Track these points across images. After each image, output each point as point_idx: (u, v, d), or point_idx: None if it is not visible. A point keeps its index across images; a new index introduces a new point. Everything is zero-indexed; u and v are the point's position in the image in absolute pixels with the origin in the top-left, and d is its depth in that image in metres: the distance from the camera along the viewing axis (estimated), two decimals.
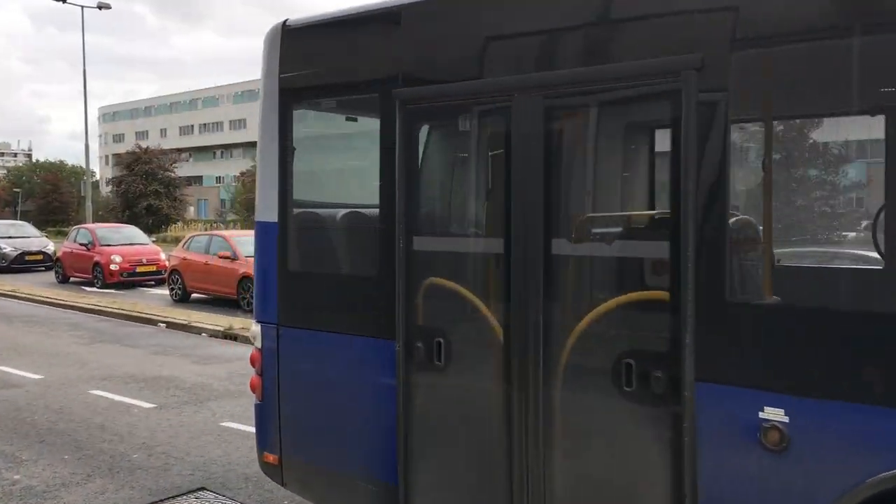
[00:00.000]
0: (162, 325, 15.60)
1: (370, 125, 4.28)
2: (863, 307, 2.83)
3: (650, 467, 3.27)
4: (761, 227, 3.18)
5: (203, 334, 14.54)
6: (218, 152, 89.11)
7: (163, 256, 23.02)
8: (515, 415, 3.59)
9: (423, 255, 3.94)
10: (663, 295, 3.20)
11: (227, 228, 40.43)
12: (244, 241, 19.32)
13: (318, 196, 5.12)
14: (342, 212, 4.77)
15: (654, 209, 4.16)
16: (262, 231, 4.69)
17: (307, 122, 4.80)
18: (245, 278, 17.71)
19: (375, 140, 4.14)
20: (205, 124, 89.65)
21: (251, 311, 16.84)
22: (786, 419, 2.87)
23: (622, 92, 3.37)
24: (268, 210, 4.59)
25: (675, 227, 3.10)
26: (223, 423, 8.38)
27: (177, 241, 28.78)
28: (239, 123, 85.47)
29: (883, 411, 2.65)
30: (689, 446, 3.04)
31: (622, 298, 3.39)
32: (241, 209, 53.33)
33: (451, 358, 3.83)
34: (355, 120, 4.88)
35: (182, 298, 19.48)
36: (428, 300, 3.93)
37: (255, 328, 4.76)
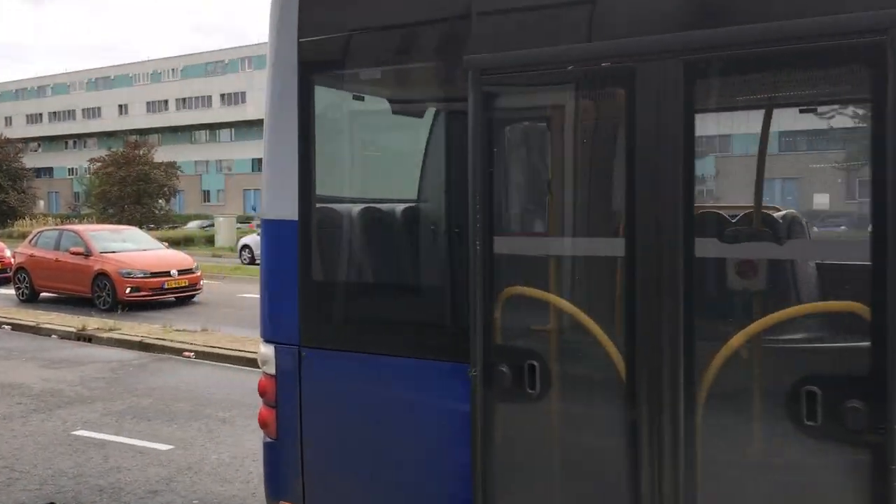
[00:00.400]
0: (7, 327, 14.42)
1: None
2: None
3: None
4: None
5: (53, 336, 13.49)
6: (70, 142, 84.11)
7: (8, 253, 21.38)
8: (645, 455, 2.86)
9: (508, 259, 3.22)
10: (860, 307, 2.61)
11: (81, 223, 38.11)
12: (99, 237, 18.32)
13: (353, 189, 4.17)
14: (389, 207, 3.97)
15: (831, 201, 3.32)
16: (275, 231, 3.82)
17: (335, 99, 3.96)
18: (101, 275, 16.69)
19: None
20: (55, 112, 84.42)
21: (107, 311, 16.66)
22: None
23: (800, 57, 2.69)
24: (282, 205, 3.72)
25: (879, 224, 2.53)
26: (75, 432, 7.71)
27: (24, 236, 26.84)
28: (93, 112, 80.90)
29: None
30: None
31: (794, 310, 2.84)
32: (97, 202, 50.45)
33: (549, 384, 3.09)
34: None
35: (29, 298, 18.16)
36: (514, 315, 3.21)
37: (266, 350, 3.82)
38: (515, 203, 3.62)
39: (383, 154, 4.42)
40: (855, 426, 2.54)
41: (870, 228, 2.60)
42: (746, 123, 3.15)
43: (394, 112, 4.01)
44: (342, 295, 3.86)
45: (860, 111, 2.79)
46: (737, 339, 2.76)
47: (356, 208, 3.92)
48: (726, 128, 3.23)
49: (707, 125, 2.99)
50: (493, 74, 3.13)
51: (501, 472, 3.16)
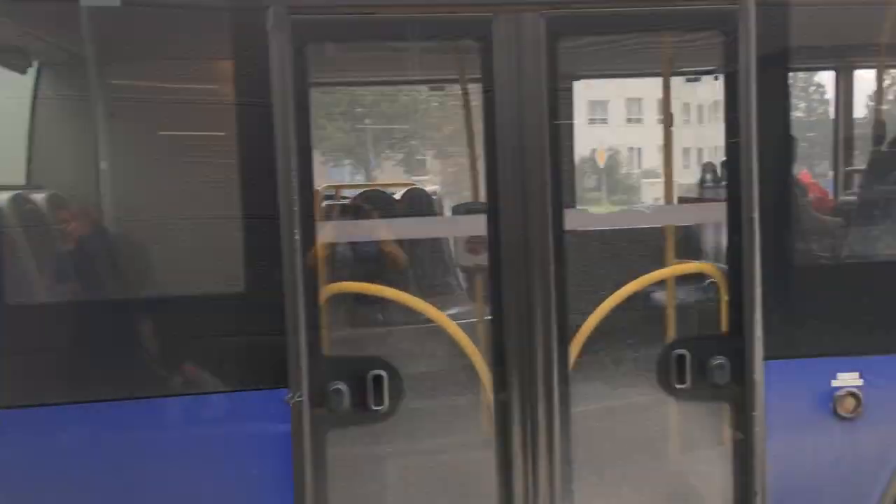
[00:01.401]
0: None
1: None
2: None
3: (714, 470, 2.79)
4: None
5: None
6: None
7: None
8: (519, 457, 2.65)
9: (335, 250, 2.80)
10: (718, 268, 2.72)
11: None
12: None
13: None
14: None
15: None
16: None
17: None
18: None
19: None
20: None
21: None
22: (860, 382, 2.69)
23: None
24: None
25: (736, 184, 2.61)
26: None
27: None
28: None
29: None
30: (760, 439, 2.65)
31: (661, 274, 2.85)
32: None
33: (401, 396, 2.64)
34: None
35: None
36: (344, 318, 2.86)
37: None
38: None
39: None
40: (720, 380, 2.66)
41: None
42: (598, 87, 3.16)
43: None
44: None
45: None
46: (595, 317, 2.72)
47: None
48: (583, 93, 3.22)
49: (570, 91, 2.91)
50: (307, 14, 2.50)
51: None
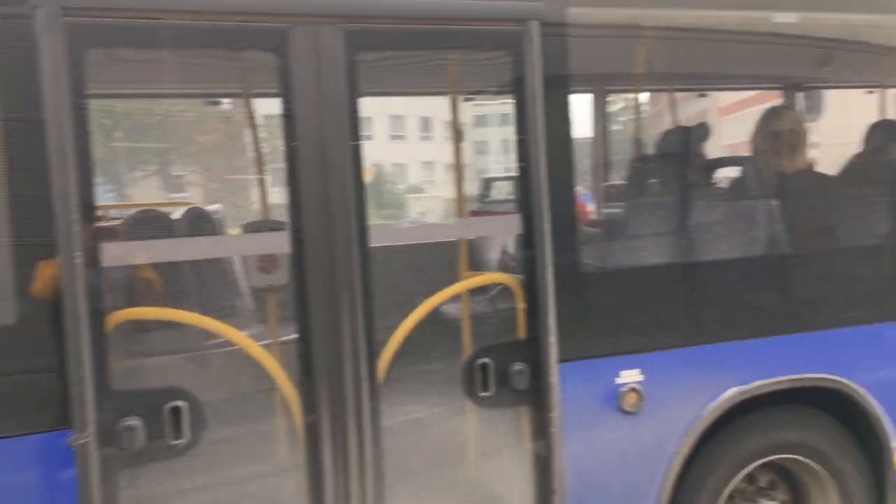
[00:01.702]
0: None
1: None
2: None
3: (515, 481, 2.87)
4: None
5: None
6: None
7: None
8: (330, 478, 2.58)
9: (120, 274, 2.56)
10: (516, 278, 2.82)
11: None
12: None
13: None
14: None
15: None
16: None
17: None
18: None
19: None
20: None
21: None
22: (641, 378, 2.90)
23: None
24: None
25: (527, 197, 2.74)
26: None
27: None
28: None
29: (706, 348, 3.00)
30: (557, 438, 2.78)
31: (461, 286, 2.88)
32: None
33: (202, 426, 2.47)
34: None
35: None
36: (135, 348, 2.61)
37: None
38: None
39: None
40: (521, 386, 2.77)
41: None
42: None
43: None
44: None
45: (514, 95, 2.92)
46: (401, 331, 2.72)
47: None
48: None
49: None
50: (84, 17, 2.30)
51: None
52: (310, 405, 2.58)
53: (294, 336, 2.61)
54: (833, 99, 4.78)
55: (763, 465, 3.22)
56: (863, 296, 3.33)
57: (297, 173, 2.53)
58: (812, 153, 3.52)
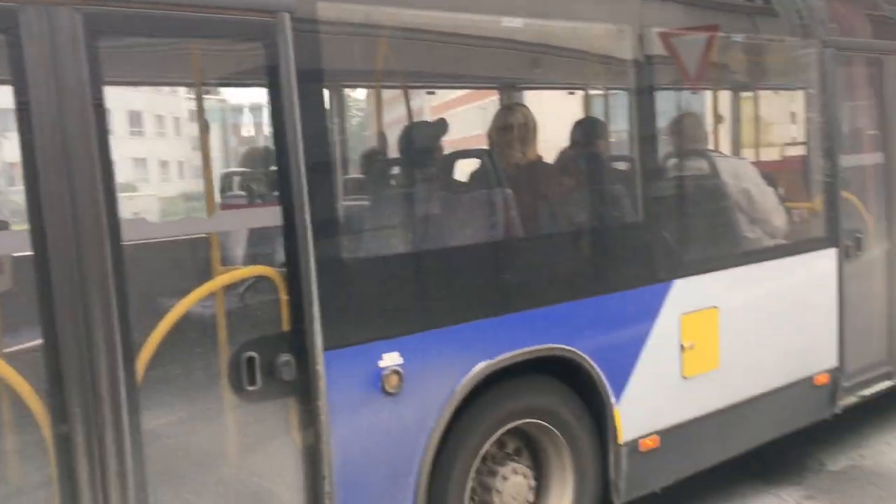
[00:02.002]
0: None
1: None
2: None
3: (286, 471, 2.86)
4: None
5: None
6: None
7: None
8: (87, 491, 2.40)
9: None
10: (277, 270, 2.80)
11: None
12: None
13: None
14: None
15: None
16: None
17: None
18: None
19: None
20: None
21: None
22: (401, 360, 3.00)
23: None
24: None
25: (287, 189, 2.74)
26: None
27: None
28: None
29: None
30: (325, 425, 2.81)
31: (222, 280, 2.78)
32: None
33: None
34: None
35: None
36: None
37: None
38: None
39: None
40: (288, 377, 2.78)
41: None
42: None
43: None
44: None
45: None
46: (160, 330, 2.59)
47: None
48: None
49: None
50: None
51: None
52: (60, 415, 2.39)
53: (38, 342, 2.40)
54: (546, 98, 5.31)
55: (510, 432, 3.52)
56: (583, 272, 3.76)
57: (35, 167, 2.33)
58: (539, 147, 3.88)
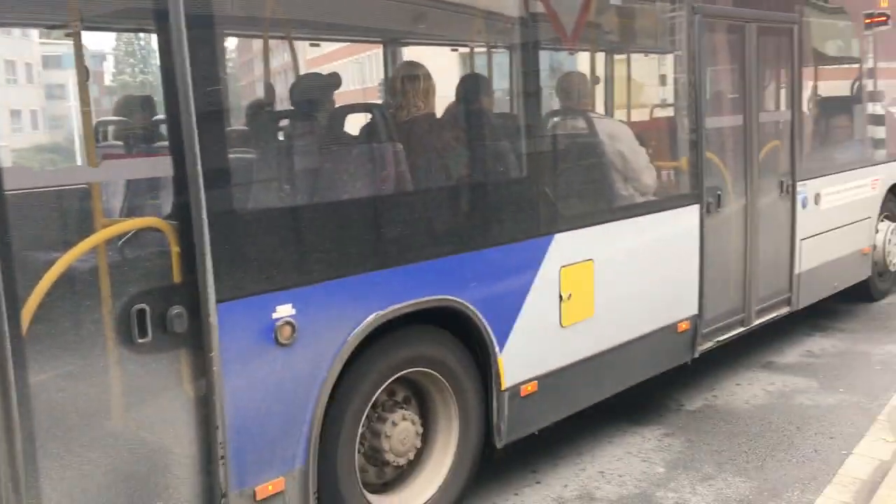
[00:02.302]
0: None
1: None
2: None
3: (178, 423, 2.85)
4: None
5: None
6: None
7: None
8: None
9: None
10: (167, 221, 2.78)
11: None
12: None
13: None
14: None
15: None
16: None
17: None
18: None
19: None
20: None
21: None
22: (293, 311, 3.04)
23: None
24: None
25: (178, 138, 2.71)
26: None
27: None
28: None
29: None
30: (217, 376, 2.83)
31: (110, 231, 2.72)
32: None
33: None
34: None
35: None
36: None
37: None
38: None
39: None
40: (180, 329, 2.77)
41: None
42: None
43: None
44: None
45: None
46: (46, 280, 2.52)
47: None
48: None
49: None
50: None
51: None
52: None
53: None
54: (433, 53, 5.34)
55: (399, 380, 3.63)
56: (469, 225, 3.88)
57: None
58: (428, 103, 3.93)
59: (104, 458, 2.68)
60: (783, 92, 6.15)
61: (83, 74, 3.01)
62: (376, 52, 5.32)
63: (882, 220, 7.45)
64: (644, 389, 5.03)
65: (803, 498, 4.02)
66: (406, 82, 3.93)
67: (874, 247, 7.33)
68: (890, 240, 7.54)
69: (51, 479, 2.54)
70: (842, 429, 4.80)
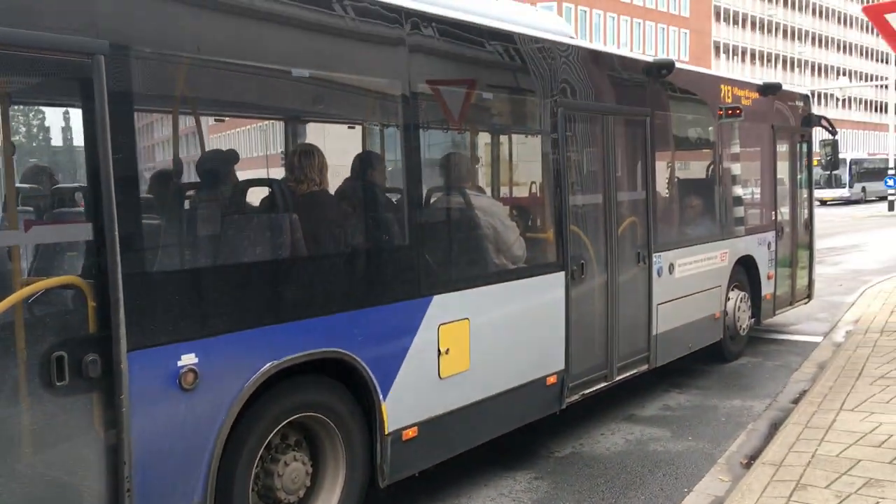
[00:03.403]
0: None
1: None
2: None
3: (89, 461, 3.22)
4: None
5: None
6: None
7: None
8: None
9: None
10: (77, 280, 3.21)
11: None
12: None
13: None
14: None
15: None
16: None
17: None
18: None
19: None
20: None
21: None
22: (196, 360, 3.47)
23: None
24: None
25: (96, 204, 3.17)
26: None
27: None
28: None
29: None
30: (126, 416, 3.21)
31: (33, 288, 3.12)
32: None
33: None
34: None
35: None
36: None
37: None
38: None
39: None
40: (93, 374, 3.14)
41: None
42: None
43: None
44: None
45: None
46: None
47: None
48: None
49: None
50: None
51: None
52: None
53: None
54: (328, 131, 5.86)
55: (292, 424, 4.04)
56: (358, 286, 4.38)
57: None
58: (323, 177, 4.45)
59: (21, 489, 2.98)
60: (639, 174, 6.98)
61: (9, 148, 3.40)
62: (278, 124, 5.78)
63: (732, 290, 8.38)
64: (519, 437, 5.56)
65: None
66: (303, 158, 4.44)
67: (725, 313, 8.22)
68: (739, 307, 8.46)
69: None
70: (686, 470, 5.46)
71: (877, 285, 13.06)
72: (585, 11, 56.25)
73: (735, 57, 75.78)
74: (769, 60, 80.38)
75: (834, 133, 10.39)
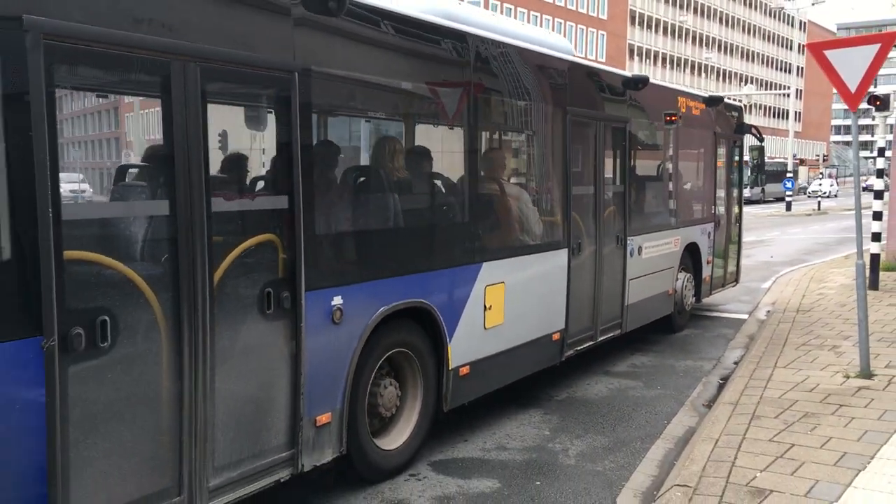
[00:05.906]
0: None
1: None
2: None
3: (281, 368, 4.30)
4: None
5: None
6: None
7: None
8: (186, 367, 3.75)
9: (71, 224, 3.31)
10: (279, 238, 4.24)
11: None
12: None
13: None
14: None
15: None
16: None
17: None
18: None
19: None
20: None
21: None
22: (342, 301, 4.57)
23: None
24: None
25: (290, 184, 4.28)
26: None
27: None
28: None
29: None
30: (303, 338, 4.31)
31: (243, 245, 4.12)
32: None
33: (118, 334, 3.46)
34: None
35: None
36: (81, 278, 3.38)
37: None
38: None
39: None
40: (286, 306, 4.25)
41: None
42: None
43: None
44: None
45: None
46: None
47: None
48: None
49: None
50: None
51: (77, 424, 3.28)
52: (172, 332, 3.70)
53: None
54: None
55: (388, 359, 5.20)
56: (435, 253, 5.56)
57: None
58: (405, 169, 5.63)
59: (241, 385, 4.10)
60: (618, 170, 8.36)
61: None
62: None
63: (681, 271, 9.90)
64: (523, 386, 6.85)
65: (642, 446, 5.96)
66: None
67: (675, 290, 9.74)
68: (686, 286, 10.00)
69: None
70: (662, 409, 6.87)
71: (787, 274, 15.01)
72: (510, 9, 57.95)
73: (648, 60, 79.00)
74: (679, 65, 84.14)
75: (761, 140, 12.08)
